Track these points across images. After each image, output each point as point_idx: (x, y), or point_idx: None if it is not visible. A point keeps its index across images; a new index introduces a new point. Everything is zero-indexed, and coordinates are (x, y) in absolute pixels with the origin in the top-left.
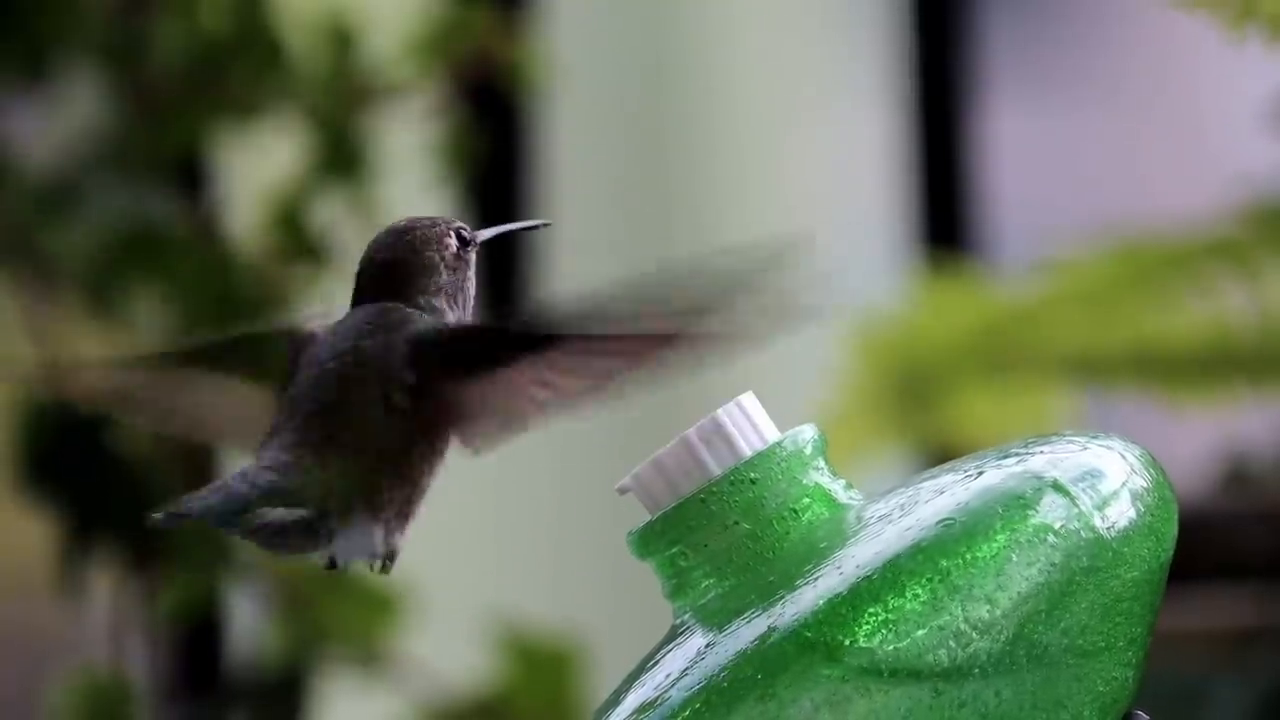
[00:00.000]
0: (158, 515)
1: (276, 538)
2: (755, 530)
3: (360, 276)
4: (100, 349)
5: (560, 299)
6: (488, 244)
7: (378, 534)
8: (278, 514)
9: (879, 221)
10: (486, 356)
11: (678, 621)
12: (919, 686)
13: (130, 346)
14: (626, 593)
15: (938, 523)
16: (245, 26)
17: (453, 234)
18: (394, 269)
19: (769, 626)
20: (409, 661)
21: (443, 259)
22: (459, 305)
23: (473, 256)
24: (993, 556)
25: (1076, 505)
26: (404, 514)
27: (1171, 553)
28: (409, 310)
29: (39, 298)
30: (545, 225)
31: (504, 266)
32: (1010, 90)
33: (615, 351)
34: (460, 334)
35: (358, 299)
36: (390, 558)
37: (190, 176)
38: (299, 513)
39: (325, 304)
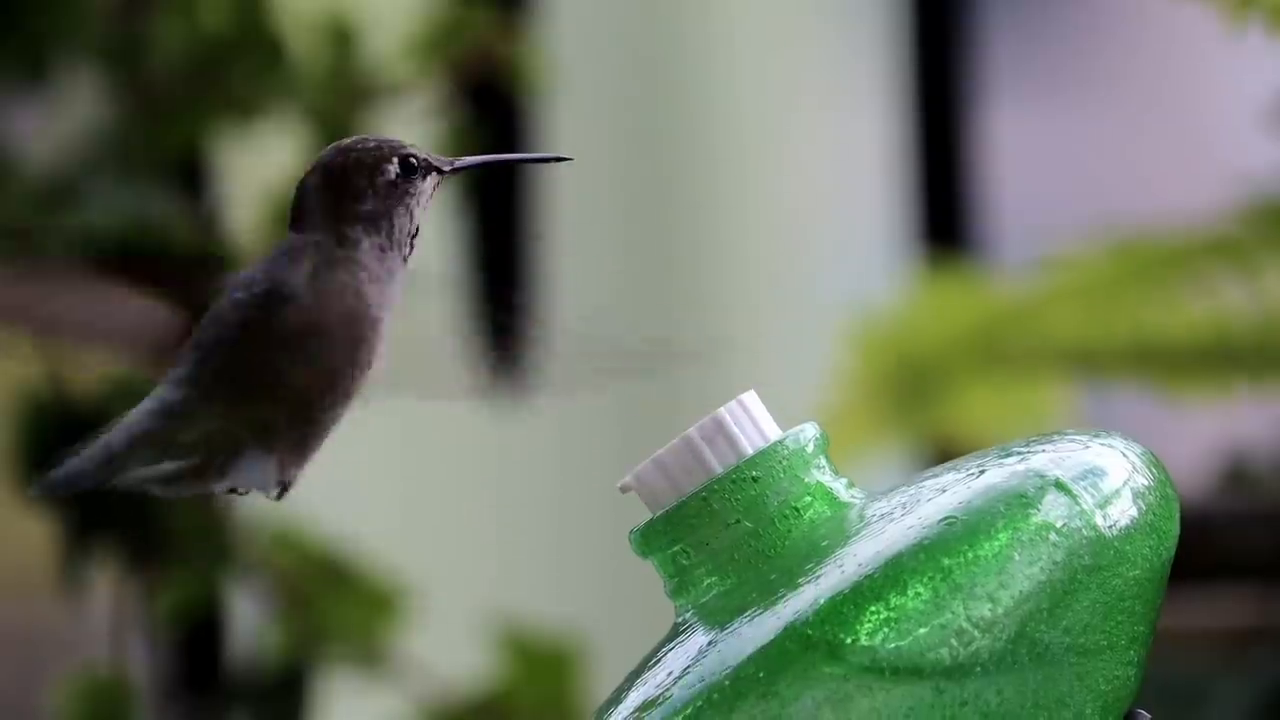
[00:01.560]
0: (33, 488)
1: (168, 485)
2: (757, 528)
3: (295, 197)
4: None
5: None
6: (487, 246)
7: (269, 468)
8: (161, 466)
9: (879, 219)
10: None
11: (679, 620)
12: (921, 685)
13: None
14: (627, 592)
15: (940, 521)
16: (245, 26)
17: (395, 160)
18: (319, 190)
19: (771, 625)
20: (409, 661)
21: (372, 186)
22: (384, 235)
23: (420, 185)
24: (995, 555)
25: (1079, 504)
26: (300, 448)
27: (1173, 551)
28: (307, 242)
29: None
30: (556, 160)
31: (504, 267)
32: (1010, 89)
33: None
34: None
35: (291, 219)
36: (284, 489)
37: (190, 176)
38: (183, 460)
39: None
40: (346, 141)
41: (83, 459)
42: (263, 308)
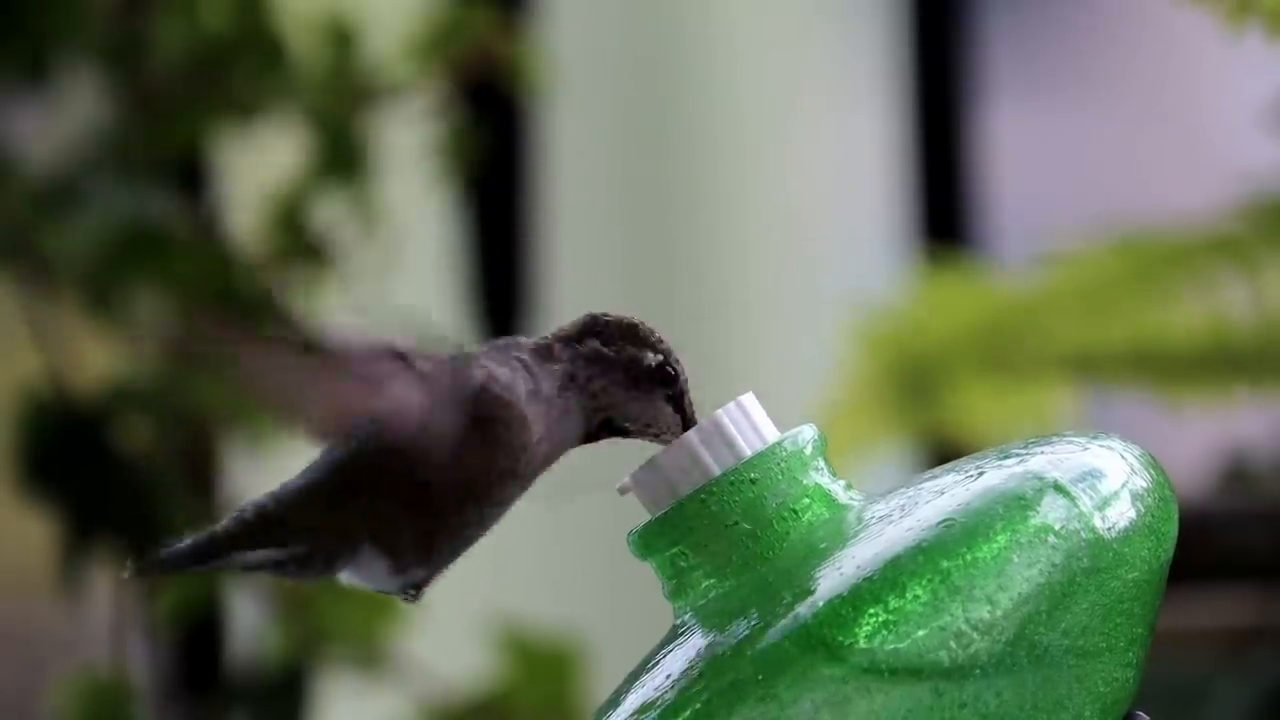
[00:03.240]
0: (134, 567)
1: (275, 569)
2: (755, 530)
3: (609, 338)
4: (100, 349)
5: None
6: (489, 246)
7: (385, 570)
8: (263, 553)
9: (880, 218)
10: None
11: (678, 621)
12: (920, 687)
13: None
14: (626, 593)
15: (938, 523)
16: (245, 26)
17: (661, 358)
18: (608, 334)
19: (769, 627)
20: (409, 661)
21: (637, 365)
22: (603, 405)
23: (658, 395)
24: (993, 557)
25: (1077, 506)
26: (428, 552)
27: (1172, 553)
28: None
29: (39, 298)
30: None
31: (503, 267)
32: (1010, 87)
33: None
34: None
35: (582, 332)
36: (417, 590)
37: (190, 176)
38: (286, 550)
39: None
40: (645, 322)
41: (190, 541)
42: (425, 409)
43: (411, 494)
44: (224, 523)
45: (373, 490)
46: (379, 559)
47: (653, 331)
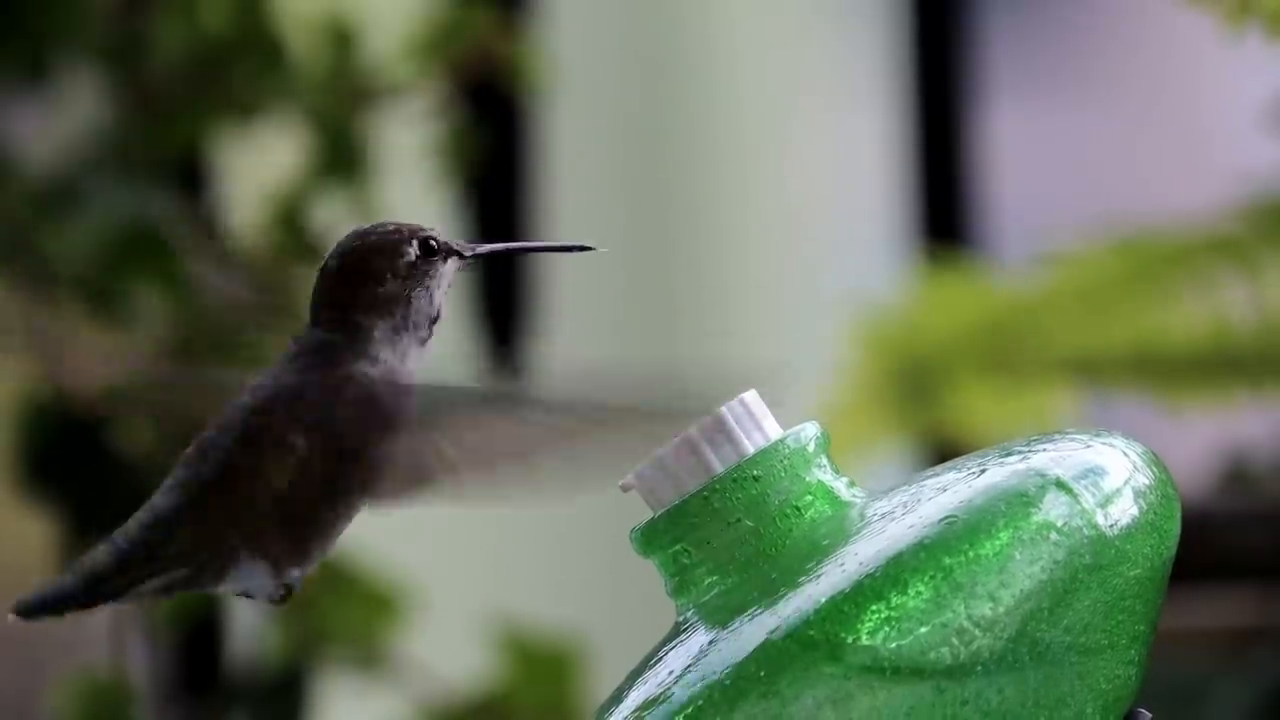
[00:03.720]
0: (13, 611)
1: (160, 593)
2: (758, 527)
3: (315, 282)
4: (100, 349)
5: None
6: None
7: (266, 574)
8: (152, 582)
9: (880, 218)
10: (386, 416)
11: (680, 619)
12: (922, 684)
13: (130, 346)
14: (627, 593)
15: (941, 520)
16: (245, 26)
17: (415, 243)
18: (339, 277)
19: (772, 624)
20: (409, 661)
21: (391, 269)
22: (405, 320)
23: (441, 268)
24: (996, 554)
25: (1079, 503)
26: (300, 551)
27: (1174, 550)
28: (334, 353)
29: (39, 298)
30: (578, 249)
31: (503, 267)
32: (1010, 88)
33: (533, 427)
34: (356, 393)
35: (311, 305)
36: (288, 591)
37: (190, 176)
38: (169, 574)
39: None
40: (365, 227)
41: (70, 580)
42: (260, 413)
43: (280, 496)
44: (100, 558)
45: (242, 499)
46: (257, 564)
47: (387, 232)
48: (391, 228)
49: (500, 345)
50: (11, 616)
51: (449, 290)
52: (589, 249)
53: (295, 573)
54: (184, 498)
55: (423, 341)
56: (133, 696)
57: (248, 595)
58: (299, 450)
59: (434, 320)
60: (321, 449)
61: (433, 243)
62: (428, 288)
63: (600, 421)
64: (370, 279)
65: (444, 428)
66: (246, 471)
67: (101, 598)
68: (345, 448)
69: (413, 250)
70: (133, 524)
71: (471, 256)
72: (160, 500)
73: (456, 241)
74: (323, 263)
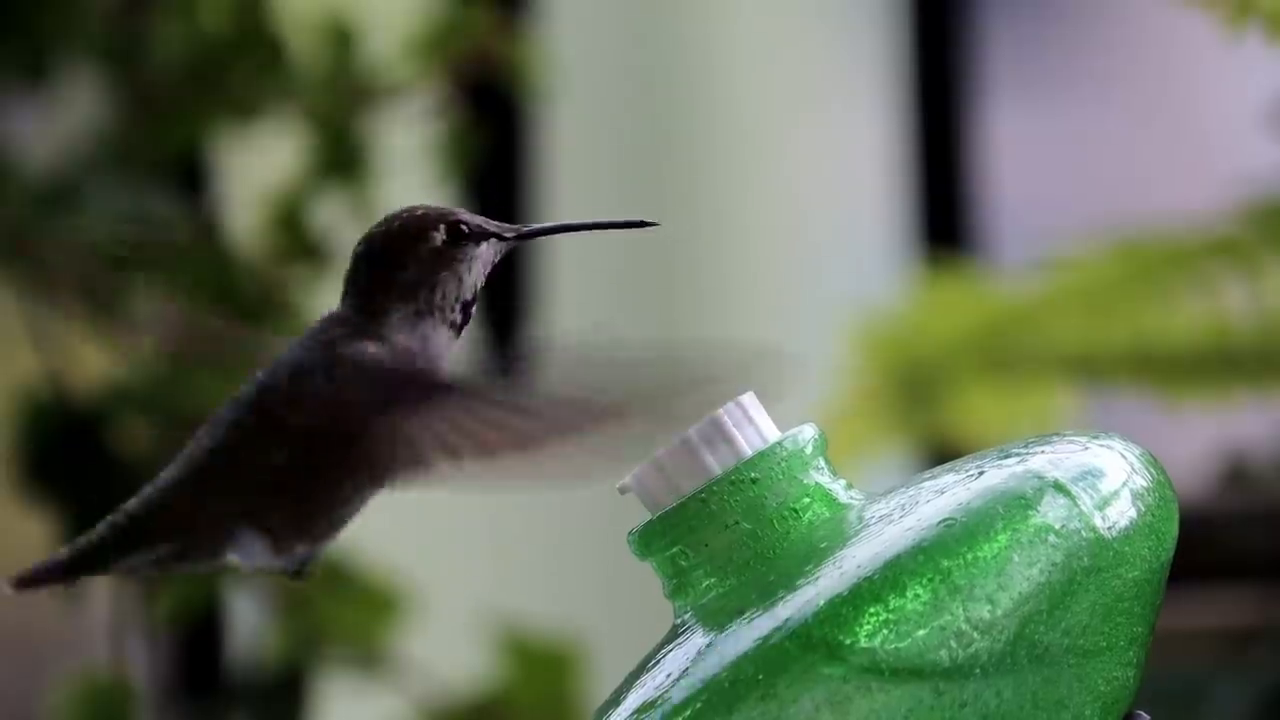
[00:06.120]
0: (15, 581)
1: (154, 566)
2: (756, 530)
3: (349, 266)
4: (100, 349)
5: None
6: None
7: (265, 550)
8: (144, 555)
9: (880, 220)
10: (380, 397)
11: (678, 621)
12: (920, 686)
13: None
14: (626, 593)
15: (939, 522)
16: (245, 26)
17: (442, 227)
18: (364, 260)
19: (770, 626)
20: (409, 661)
21: (414, 254)
22: (428, 304)
23: (473, 251)
24: (994, 556)
25: (1077, 505)
26: (301, 529)
27: (1172, 552)
28: (344, 332)
29: (39, 298)
30: (638, 225)
31: (503, 268)
32: (1010, 90)
33: (535, 417)
34: (359, 373)
35: (343, 286)
36: (301, 567)
37: (190, 176)
38: (161, 545)
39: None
40: (395, 210)
41: (65, 551)
42: (261, 388)
43: (277, 473)
44: (99, 530)
45: (238, 474)
46: (258, 540)
47: (414, 215)
48: (420, 211)
49: (500, 345)
50: (15, 584)
51: (485, 273)
52: (640, 224)
53: (302, 550)
54: (181, 471)
55: (453, 325)
56: (133, 696)
57: (262, 570)
58: (292, 425)
59: (467, 304)
60: (317, 425)
61: (462, 226)
62: (456, 272)
63: (598, 414)
64: (392, 262)
65: (447, 413)
66: (242, 445)
67: (93, 568)
68: (340, 424)
69: (439, 234)
70: (132, 499)
71: (514, 238)
72: (162, 475)
73: (495, 224)
74: (353, 251)
